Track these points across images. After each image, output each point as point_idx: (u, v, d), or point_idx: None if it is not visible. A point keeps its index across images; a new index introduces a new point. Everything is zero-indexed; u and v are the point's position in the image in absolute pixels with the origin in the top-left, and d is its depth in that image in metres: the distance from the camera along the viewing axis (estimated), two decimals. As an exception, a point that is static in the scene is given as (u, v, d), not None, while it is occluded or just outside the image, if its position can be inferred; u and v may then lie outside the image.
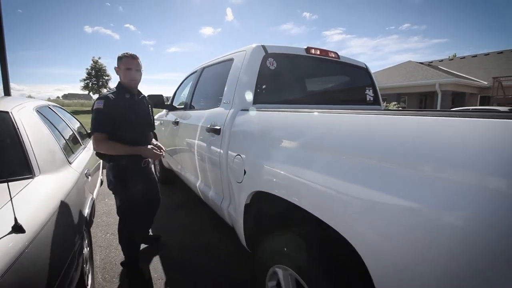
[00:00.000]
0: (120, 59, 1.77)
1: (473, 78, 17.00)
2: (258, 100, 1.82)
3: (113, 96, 1.70)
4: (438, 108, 14.48)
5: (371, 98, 2.57)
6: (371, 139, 0.89)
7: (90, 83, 29.67)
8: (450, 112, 0.81)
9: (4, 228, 0.88)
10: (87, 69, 29.55)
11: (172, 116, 3.28)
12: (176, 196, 3.78)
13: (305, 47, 2.13)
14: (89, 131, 2.98)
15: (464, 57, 23.35)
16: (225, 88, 2.01)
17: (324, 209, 0.99)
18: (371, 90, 2.58)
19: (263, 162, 1.35)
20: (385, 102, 16.47)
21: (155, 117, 4.38)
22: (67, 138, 2.20)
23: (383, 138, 0.86)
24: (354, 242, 0.86)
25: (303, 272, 1.09)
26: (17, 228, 0.90)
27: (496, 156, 0.59)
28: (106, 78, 29.93)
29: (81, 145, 2.52)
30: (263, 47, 1.90)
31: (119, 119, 1.68)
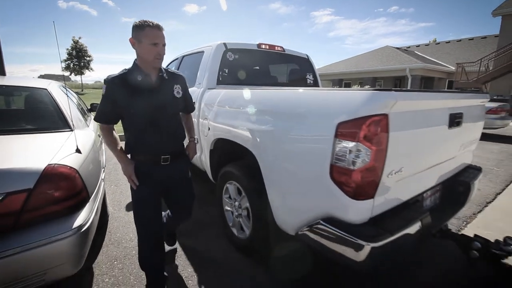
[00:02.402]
0: (139, 29, 1.29)
1: (442, 63, 18.20)
2: (220, 82, 2.61)
3: (119, 78, 1.35)
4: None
5: (311, 82, 3.40)
6: (267, 103, 1.73)
7: (72, 64, 28.95)
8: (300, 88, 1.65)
9: (71, 151, 1.67)
10: (67, 49, 28.73)
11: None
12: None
13: (257, 43, 2.91)
14: (88, 107, 3.70)
15: (438, 43, 24.54)
16: (198, 73, 2.78)
17: (246, 141, 1.83)
18: (311, 75, 3.41)
19: (218, 119, 2.17)
20: (359, 85, 17.47)
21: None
22: (80, 109, 2.92)
23: (273, 102, 1.70)
24: (256, 155, 1.71)
25: (240, 182, 1.96)
26: (78, 151, 1.70)
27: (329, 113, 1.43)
28: (88, 58, 29.28)
29: (88, 116, 3.24)
30: (224, 44, 2.67)
31: (126, 102, 1.35)
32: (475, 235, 1.64)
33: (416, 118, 1.29)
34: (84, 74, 29.67)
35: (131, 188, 1.51)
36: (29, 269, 1.23)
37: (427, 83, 17.76)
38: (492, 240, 1.56)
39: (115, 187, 3.52)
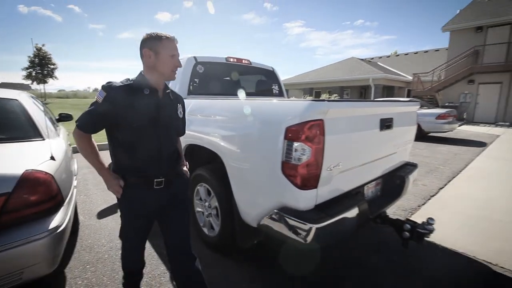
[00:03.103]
0: (157, 40, 1.23)
1: (401, 74, 19.81)
2: (191, 92, 2.80)
3: (123, 89, 1.20)
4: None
5: (277, 92, 3.70)
6: (231, 110, 1.96)
7: (34, 72, 27.26)
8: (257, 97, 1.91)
9: (46, 158, 1.76)
10: (29, 57, 27.07)
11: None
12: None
13: (226, 57, 3.16)
14: (57, 117, 3.68)
15: (398, 55, 26.67)
16: (170, 84, 2.94)
17: (213, 146, 2.03)
18: (277, 86, 3.71)
19: (189, 127, 2.35)
20: (328, 94, 18.43)
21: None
22: (49, 118, 2.95)
23: (236, 110, 1.93)
24: (223, 158, 1.92)
25: (210, 183, 2.15)
26: (52, 158, 1.79)
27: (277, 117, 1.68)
28: (52, 66, 27.77)
29: (57, 125, 3.25)
30: (194, 57, 2.88)
31: (131, 119, 1.21)
32: (407, 219, 1.98)
33: (350, 122, 1.59)
34: (47, 82, 28.04)
35: (121, 207, 1.36)
36: (8, 268, 1.32)
37: (388, 92, 19.19)
38: (420, 222, 1.90)
39: (84, 196, 3.51)
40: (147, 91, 1.25)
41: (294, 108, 1.44)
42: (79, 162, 3.19)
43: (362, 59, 22.72)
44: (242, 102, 1.98)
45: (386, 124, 1.86)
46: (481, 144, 7.65)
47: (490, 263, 2.18)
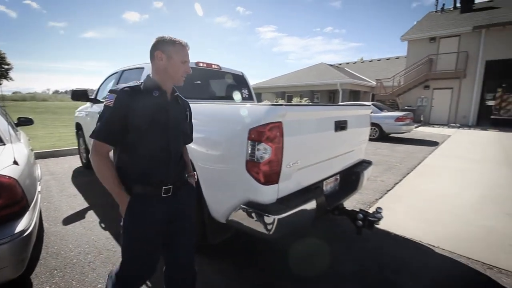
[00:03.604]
0: (170, 44, 1.22)
1: (366, 79, 21.08)
2: (161, 96, 2.86)
3: (132, 90, 1.18)
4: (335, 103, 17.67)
5: (246, 96, 3.86)
6: (200, 113, 2.07)
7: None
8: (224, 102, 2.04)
9: (9, 163, 1.74)
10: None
11: (96, 107, 4.00)
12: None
13: (196, 61, 3.25)
14: (15, 121, 3.50)
15: (364, 62, 28.33)
16: (139, 88, 2.97)
17: (182, 148, 2.13)
18: (246, 90, 3.87)
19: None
20: (298, 98, 19.05)
21: (80, 109, 4.95)
22: (9, 123, 2.83)
23: (205, 113, 2.04)
24: (193, 159, 2.02)
25: None
26: (16, 162, 1.77)
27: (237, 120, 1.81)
28: (6, 67, 25.58)
29: (16, 130, 3.12)
30: (163, 62, 2.94)
31: (140, 121, 1.16)
32: (360, 209, 2.22)
33: (306, 124, 1.78)
34: (1, 84, 25.77)
35: (125, 223, 1.23)
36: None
37: (355, 96, 20.33)
38: (370, 211, 2.14)
39: (48, 203, 3.38)
40: (156, 93, 1.22)
41: (256, 112, 1.60)
42: (41, 168, 3.08)
43: (331, 65, 23.80)
44: (210, 106, 2.10)
45: (340, 126, 2.09)
46: (434, 144, 8.44)
47: (433, 246, 2.50)
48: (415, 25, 18.69)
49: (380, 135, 9.19)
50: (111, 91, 1.17)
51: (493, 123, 16.30)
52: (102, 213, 3.08)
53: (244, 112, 1.67)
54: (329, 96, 22.27)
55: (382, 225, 2.81)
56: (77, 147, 5.50)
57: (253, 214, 1.61)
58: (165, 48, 1.22)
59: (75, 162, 5.50)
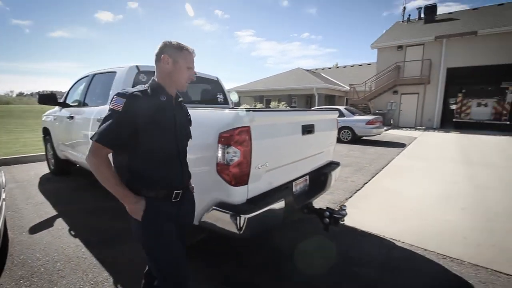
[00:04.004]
0: (177, 49, 1.24)
1: (341, 84, 21.92)
2: (134, 100, 2.85)
3: (142, 95, 1.17)
4: (316, 107, 18.21)
5: (222, 100, 3.93)
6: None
7: None
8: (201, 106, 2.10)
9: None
10: None
11: (65, 112, 3.88)
12: (74, 183, 4.36)
13: (169, 66, 3.28)
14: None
15: (338, 67, 29.43)
16: (111, 91, 2.94)
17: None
18: (221, 95, 3.95)
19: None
20: (276, 102, 19.39)
21: (48, 113, 4.75)
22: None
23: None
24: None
25: None
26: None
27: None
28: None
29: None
30: (137, 66, 2.94)
31: (148, 125, 1.16)
32: (327, 207, 2.37)
33: (274, 128, 1.89)
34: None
35: (144, 222, 1.19)
36: None
37: (330, 100, 21.05)
38: (336, 209, 2.30)
39: (13, 212, 3.22)
40: (163, 98, 1.22)
41: (226, 117, 1.68)
42: (5, 175, 2.94)
43: (307, 70, 24.48)
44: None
45: (307, 129, 2.23)
46: (402, 145, 8.99)
47: (395, 239, 2.71)
48: (384, 34, 19.83)
49: (353, 137, 9.62)
50: (119, 95, 1.14)
51: (455, 125, 17.66)
52: (71, 220, 2.99)
53: (215, 117, 1.75)
54: (306, 100, 22.87)
55: (350, 222, 3.00)
56: (44, 153, 5.25)
57: (224, 214, 1.68)
58: (172, 53, 1.22)
59: (43, 168, 5.25)
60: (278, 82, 22.49)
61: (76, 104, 3.78)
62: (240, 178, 1.67)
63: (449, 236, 2.81)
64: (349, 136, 9.67)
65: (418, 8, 20.32)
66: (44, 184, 4.36)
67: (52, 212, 3.24)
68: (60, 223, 2.93)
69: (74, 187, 4.18)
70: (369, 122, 9.25)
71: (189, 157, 1.87)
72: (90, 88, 3.54)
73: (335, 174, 2.81)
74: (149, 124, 1.15)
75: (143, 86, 1.23)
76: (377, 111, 16.84)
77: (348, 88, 20.24)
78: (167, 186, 1.24)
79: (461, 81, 19.90)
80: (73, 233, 2.71)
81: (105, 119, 1.13)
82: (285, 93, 21.37)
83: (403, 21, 21.05)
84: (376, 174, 5.28)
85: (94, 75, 3.54)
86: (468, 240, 2.72)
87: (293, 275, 2.11)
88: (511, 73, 19.02)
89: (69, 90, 4.26)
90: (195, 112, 2.06)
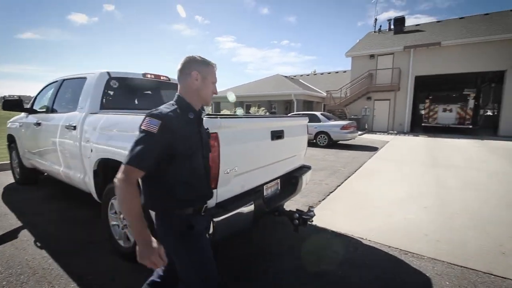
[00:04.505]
0: (205, 65, 1.24)
1: (318, 90, 22.58)
2: (104, 107, 2.82)
3: (176, 114, 1.15)
4: (294, 113, 18.61)
5: (197, 106, 3.96)
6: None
7: None
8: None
9: None
10: None
11: (33, 118, 3.73)
12: (41, 192, 4.16)
13: (143, 72, 3.28)
14: None
15: (316, 74, 30.34)
16: (80, 98, 2.89)
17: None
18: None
19: (101, 141, 2.40)
20: (256, 108, 19.60)
21: (12, 120, 4.52)
22: None
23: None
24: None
25: None
26: None
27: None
28: None
29: None
30: (108, 73, 2.92)
31: (183, 144, 1.15)
32: (296, 209, 2.47)
33: (243, 134, 1.97)
34: None
35: (185, 238, 1.20)
36: None
37: (308, 106, 21.61)
38: (305, 210, 2.40)
39: (-28, 225, 3.03)
40: (192, 115, 1.21)
41: (195, 123, 1.73)
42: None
43: (286, 76, 25.00)
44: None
45: (277, 135, 2.33)
46: (374, 149, 9.43)
47: (362, 238, 2.86)
48: (357, 43, 20.78)
49: (329, 142, 9.94)
50: (153, 116, 1.11)
51: (424, 129, 18.74)
52: (38, 232, 2.87)
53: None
54: (285, 106, 23.30)
55: (322, 223, 3.13)
56: (9, 161, 4.97)
57: (193, 219, 1.72)
58: (201, 69, 1.22)
59: (6, 178, 4.96)
60: (258, 88, 22.77)
61: (44, 110, 3.65)
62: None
63: (411, 233, 3.01)
64: (325, 141, 9.98)
65: (388, 20, 21.57)
66: (9, 194, 4.13)
67: (17, 223, 3.09)
68: (25, 235, 2.81)
69: (41, 196, 3.99)
70: (343, 127, 9.63)
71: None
72: (59, 94, 3.45)
73: (306, 177, 2.92)
74: (183, 143, 1.14)
75: (171, 104, 1.21)
76: (352, 116, 17.52)
77: (325, 94, 20.92)
78: (200, 202, 1.27)
79: (428, 88, 21.24)
80: (39, 244, 2.61)
81: (138, 142, 1.09)
82: (265, 99, 21.67)
83: (374, 32, 22.19)
84: (349, 177, 5.50)
85: (63, 80, 3.45)
86: (429, 236, 2.92)
87: (264, 275, 2.17)
88: (472, 81, 20.66)
89: (37, 95, 4.10)
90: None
